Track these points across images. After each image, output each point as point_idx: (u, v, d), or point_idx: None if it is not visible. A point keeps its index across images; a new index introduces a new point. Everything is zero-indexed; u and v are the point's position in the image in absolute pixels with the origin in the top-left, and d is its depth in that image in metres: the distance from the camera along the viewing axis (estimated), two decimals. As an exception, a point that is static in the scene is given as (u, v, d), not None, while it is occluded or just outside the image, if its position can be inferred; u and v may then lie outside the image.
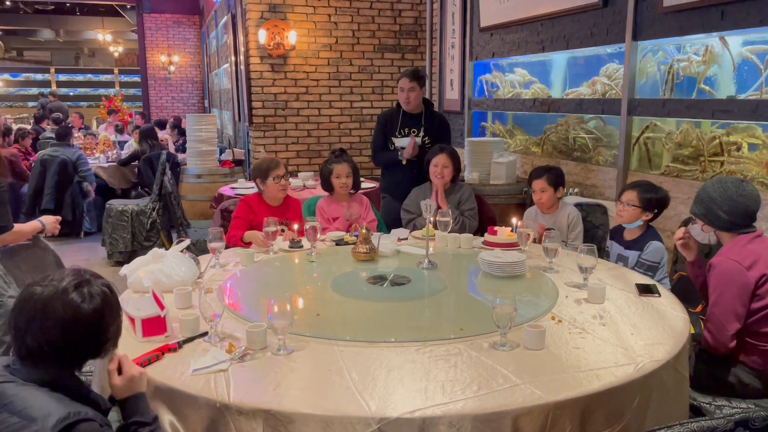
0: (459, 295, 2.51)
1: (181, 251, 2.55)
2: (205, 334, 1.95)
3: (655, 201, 2.88)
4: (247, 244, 3.07)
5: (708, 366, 2.26)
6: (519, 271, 2.56)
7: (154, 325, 1.95)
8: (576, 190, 4.09)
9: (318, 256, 2.93)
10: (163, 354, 1.82)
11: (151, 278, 2.32)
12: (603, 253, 3.26)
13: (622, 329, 2.00)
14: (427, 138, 4.11)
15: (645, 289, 2.37)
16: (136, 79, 16.53)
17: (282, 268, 2.87)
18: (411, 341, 1.88)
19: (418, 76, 4.12)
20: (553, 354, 1.81)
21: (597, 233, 3.60)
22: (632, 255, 2.91)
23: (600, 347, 1.86)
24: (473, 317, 2.19)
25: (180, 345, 1.88)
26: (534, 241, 2.94)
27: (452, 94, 6.11)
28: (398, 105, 4.20)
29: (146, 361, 1.76)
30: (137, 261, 2.47)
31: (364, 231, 2.84)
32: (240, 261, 2.81)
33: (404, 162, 4.06)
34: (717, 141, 3.25)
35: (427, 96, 6.81)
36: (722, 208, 2.26)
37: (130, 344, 1.90)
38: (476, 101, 5.69)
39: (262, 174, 3.37)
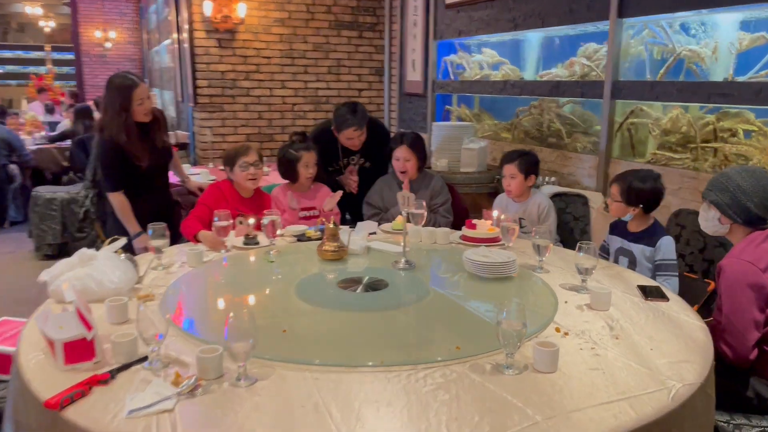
0: (446, 302, 2.18)
1: (116, 252, 2.15)
2: (145, 359, 1.57)
3: (636, 194, 2.60)
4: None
5: (722, 378, 2.02)
6: (509, 272, 2.28)
7: (78, 350, 1.56)
8: (553, 179, 3.84)
9: (278, 255, 2.56)
10: (90, 388, 1.44)
11: (78, 286, 1.91)
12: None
13: (639, 343, 1.73)
14: (368, 163, 3.65)
15: (650, 292, 2.12)
16: (70, 56, 15.45)
17: (237, 271, 2.49)
18: (399, 365, 1.56)
19: (362, 119, 3.42)
20: (568, 377, 1.52)
21: (577, 226, 3.36)
22: (636, 248, 2.65)
23: (621, 368, 1.58)
24: (467, 330, 1.88)
25: (113, 375, 1.50)
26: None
27: (414, 75, 5.77)
28: (332, 133, 3.50)
29: (68, 399, 1.38)
30: (61, 265, 2.05)
31: (331, 226, 2.49)
32: (186, 261, 2.42)
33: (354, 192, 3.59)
34: (710, 127, 3.03)
35: (385, 77, 6.49)
36: (752, 200, 2.02)
37: (49, 373, 1.52)
38: (440, 83, 5.37)
39: (230, 161, 3.09)
